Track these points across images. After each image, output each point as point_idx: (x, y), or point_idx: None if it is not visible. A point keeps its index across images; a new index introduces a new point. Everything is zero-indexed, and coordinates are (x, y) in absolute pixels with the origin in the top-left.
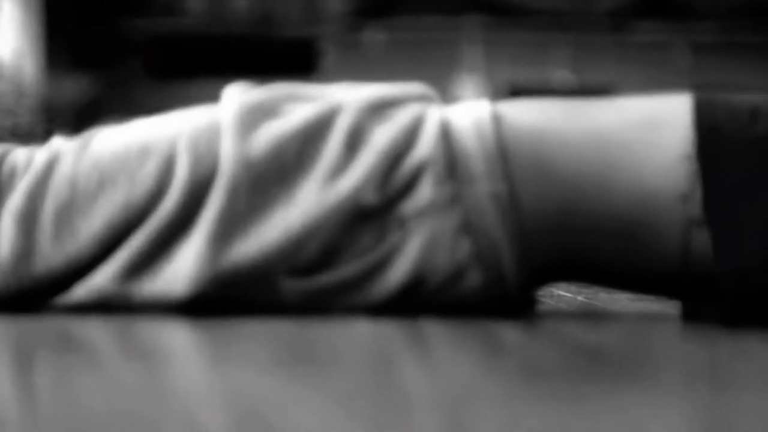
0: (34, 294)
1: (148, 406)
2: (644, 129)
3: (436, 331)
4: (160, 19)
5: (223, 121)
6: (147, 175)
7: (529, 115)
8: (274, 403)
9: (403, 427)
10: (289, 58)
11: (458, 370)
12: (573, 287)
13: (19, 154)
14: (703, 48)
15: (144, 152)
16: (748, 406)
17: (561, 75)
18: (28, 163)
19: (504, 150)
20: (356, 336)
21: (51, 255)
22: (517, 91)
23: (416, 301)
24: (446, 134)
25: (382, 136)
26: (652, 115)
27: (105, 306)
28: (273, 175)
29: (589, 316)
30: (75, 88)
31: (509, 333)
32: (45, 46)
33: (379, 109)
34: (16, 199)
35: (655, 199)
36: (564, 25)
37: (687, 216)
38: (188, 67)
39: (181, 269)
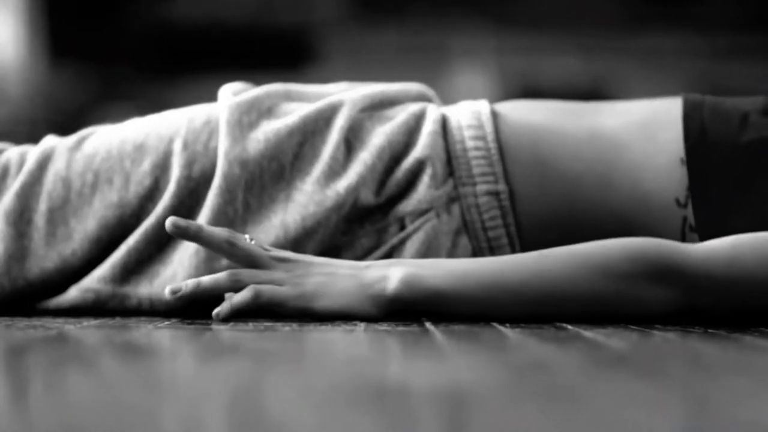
0: (28, 296)
1: (143, 399)
2: (642, 129)
3: (435, 329)
4: (156, 6)
5: (219, 120)
6: (142, 174)
7: (528, 113)
8: (271, 396)
9: (402, 421)
10: (285, 50)
11: (459, 367)
12: None
13: (11, 153)
14: (717, 47)
15: (139, 151)
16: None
17: (570, 66)
18: (21, 163)
19: (503, 149)
20: (355, 334)
21: (45, 256)
22: (526, 84)
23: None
24: (445, 133)
25: (380, 136)
26: (650, 117)
27: (100, 307)
28: (270, 174)
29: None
30: (71, 82)
31: (509, 331)
32: (45, 40)
33: (377, 109)
34: (8, 199)
35: (652, 201)
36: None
37: (682, 219)
38: (185, 62)
39: (177, 270)
